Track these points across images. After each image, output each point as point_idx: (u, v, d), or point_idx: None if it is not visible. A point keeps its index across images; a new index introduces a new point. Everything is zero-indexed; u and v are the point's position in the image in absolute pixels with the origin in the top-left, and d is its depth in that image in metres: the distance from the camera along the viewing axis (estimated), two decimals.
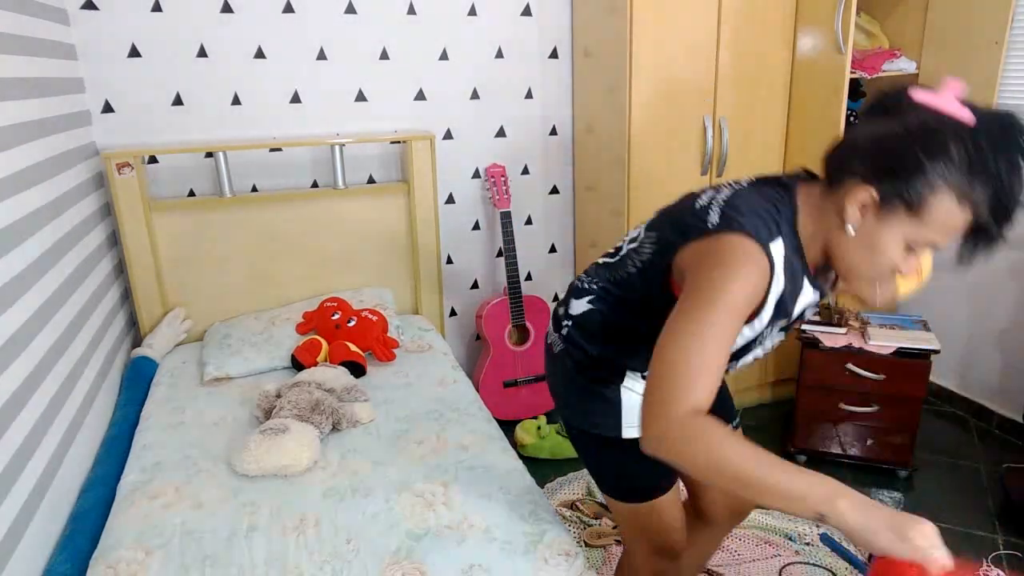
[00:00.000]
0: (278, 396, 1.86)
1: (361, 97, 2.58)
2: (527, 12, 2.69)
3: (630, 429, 1.26)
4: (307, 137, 2.50)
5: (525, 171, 2.89)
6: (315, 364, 2.12)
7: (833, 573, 1.96)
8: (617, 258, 1.26)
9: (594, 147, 2.71)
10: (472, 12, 2.62)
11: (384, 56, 2.56)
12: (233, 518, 1.45)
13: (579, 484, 2.37)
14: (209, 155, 2.42)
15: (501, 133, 2.80)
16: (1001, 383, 2.70)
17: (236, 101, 2.43)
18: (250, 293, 2.48)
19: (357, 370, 2.11)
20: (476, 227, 2.89)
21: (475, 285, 2.97)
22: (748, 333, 1.10)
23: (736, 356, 1.18)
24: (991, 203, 0.90)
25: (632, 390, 1.26)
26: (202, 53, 2.35)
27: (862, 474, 2.43)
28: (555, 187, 2.96)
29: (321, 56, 2.48)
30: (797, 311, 1.11)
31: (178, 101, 2.36)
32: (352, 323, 2.25)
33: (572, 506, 2.24)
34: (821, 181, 1.06)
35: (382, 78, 2.58)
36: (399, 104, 2.63)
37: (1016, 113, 0.92)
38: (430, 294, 2.70)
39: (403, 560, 1.30)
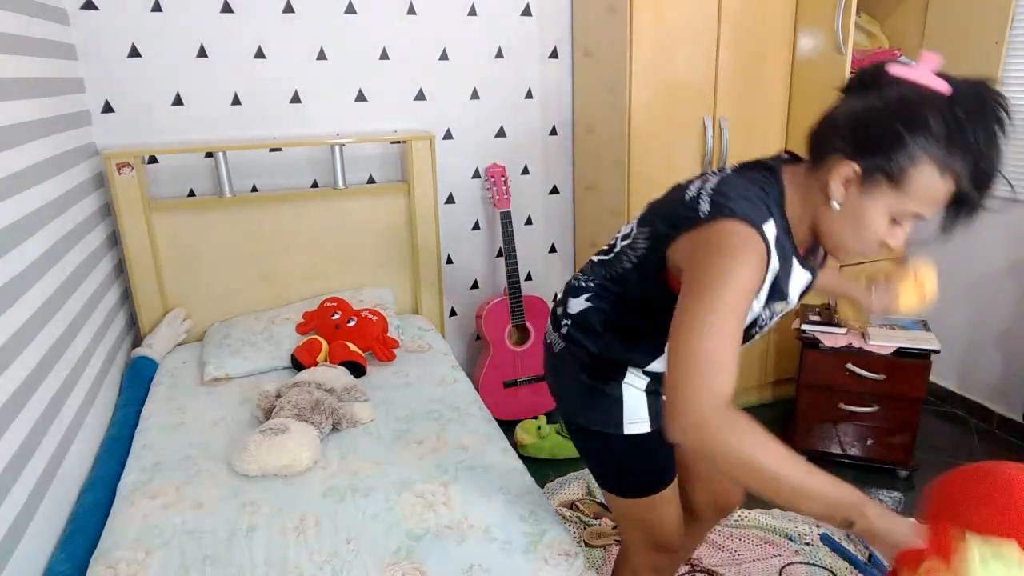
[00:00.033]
0: (278, 396, 1.86)
1: (361, 97, 2.58)
2: (527, 12, 2.69)
3: (631, 425, 1.26)
4: (307, 137, 2.50)
5: (525, 171, 2.89)
6: (315, 364, 2.12)
7: (833, 573, 1.96)
8: (612, 255, 1.26)
9: (594, 147, 2.71)
10: (472, 12, 2.62)
11: (384, 56, 2.56)
12: (233, 518, 1.45)
13: (579, 484, 2.37)
14: (209, 155, 2.42)
15: (501, 133, 2.80)
16: (1001, 383, 2.70)
17: (236, 101, 2.43)
18: (250, 293, 2.48)
19: (357, 370, 2.11)
20: (476, 227, 2.89)
21: (475, 285, 2.97)
22: (747, 317, 1.09)
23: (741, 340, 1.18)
24: (971, 172, 0.92)
25: (633, 386, 1.26)
26: (202, 53, 2.35)
27: (862, 474, 2.43)
28: (555, 187, 2.96)
29: (321, 56, 2.48)
30: (793, 294, 1.12)
31: (178, 101, 2.37)
32: (352, 323, 2.25)
33: (572, 506, 2.24)
34: (805, 162, 1.07)
35: (382, 78, 2.58)
36: (399, 104, 2.63)
37: (991, 80, 0.94)
38: (430, 294, 2.70)
39: (403, 560, 1.30)
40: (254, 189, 2.52)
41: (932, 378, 2.81)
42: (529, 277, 3.03)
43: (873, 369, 2.32)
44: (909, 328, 2.42)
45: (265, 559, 1.32)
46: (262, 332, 2.29)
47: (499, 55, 2.71)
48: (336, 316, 2.28)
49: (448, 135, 2.73)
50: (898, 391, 2.32)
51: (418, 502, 1.48)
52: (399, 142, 2.64)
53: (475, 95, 2.72)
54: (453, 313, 2.97)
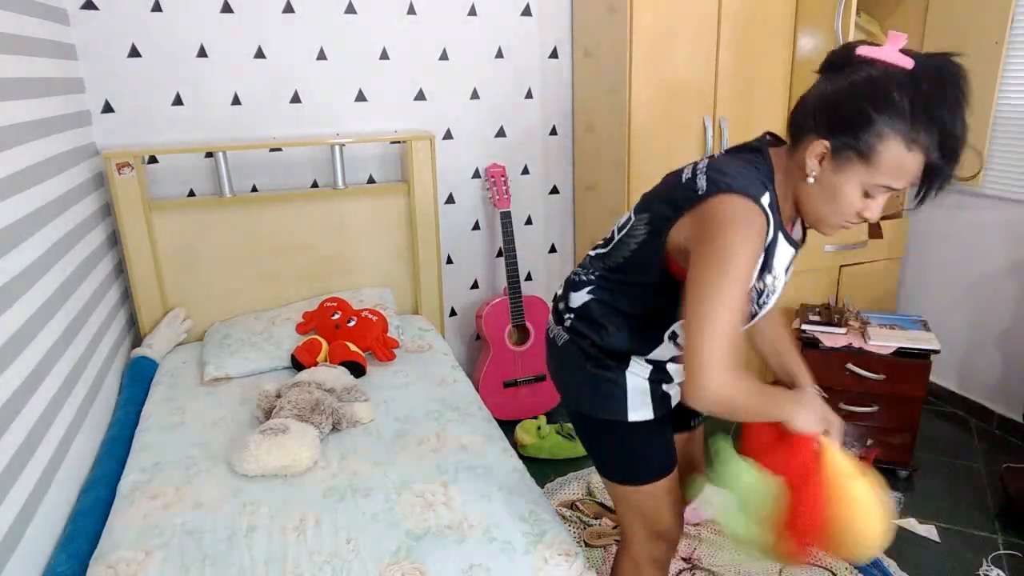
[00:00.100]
0: (278, 396, 1.86)
1: (361, 97, 2.58)
2: (527, 12, 2.69)
3: (635, 412, 1.29)
4: (307, 137, 2.50)
5: (525, 171, 2.89)
6: (315, 364, 2.12)
7: (833, 573, 1.96)
8: (610, 246, 1.28)
9: (594, 147, 2.71)
10: (472, 12, 2.62)
11: (384, 56, 2.56)
12: (233, 518, 1.45)
13: (579, 484, 2.37)
14: (209, 155, 2.43)
15: (501, 133, 2.80)
16: (1001, 383, 2.70)
17: (236, 101, 2.43)
18: (250, 293, 2.48)
19: (357, 370, 2.11)
20: (476, 227, 2.89)
21: (475, 285, 2.97)
22: (750, 291, 1.15)
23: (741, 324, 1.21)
24: (938, 143, 0.97)
25: (636, 374, 1.29)
26: (202, 53, 2.35)
27: None
28: (555, 187, 2.96)
29: (321, 56, 2.48)
30: (779, 268, 1.17)
31: (178, 101, 2.37)
32: (352, 323, 2.25)
33: (572, 506, 2.24)
34: (785, 144, 1.14)
35: (382, 78, 2.58)
36: (399, 104, 2.63)
37: (952, 54, 0.99)
38: (430, 294, 2.69)
39: (403, 560, 1.30)
40: (254, 189, 2.52)
41: (932, 378, 2.81)
42: (529, 277, 3.03)
43: (873, 369, 2.32)
44: (909, 328, 2.42)
45: (265, 559, 1.32)
46: (262, 332, 2.29)
47: (499, 55, 2.71)
48: (336, 316, 2.28)
49: (448, 135, 2.73)
50: (898, 391, 2.32)
51: (418, 502, 1.48)
52: (399, 142, 2.64)
53: (475, 95, 2.72)
54: (453, 313, 2.97)
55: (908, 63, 0.98)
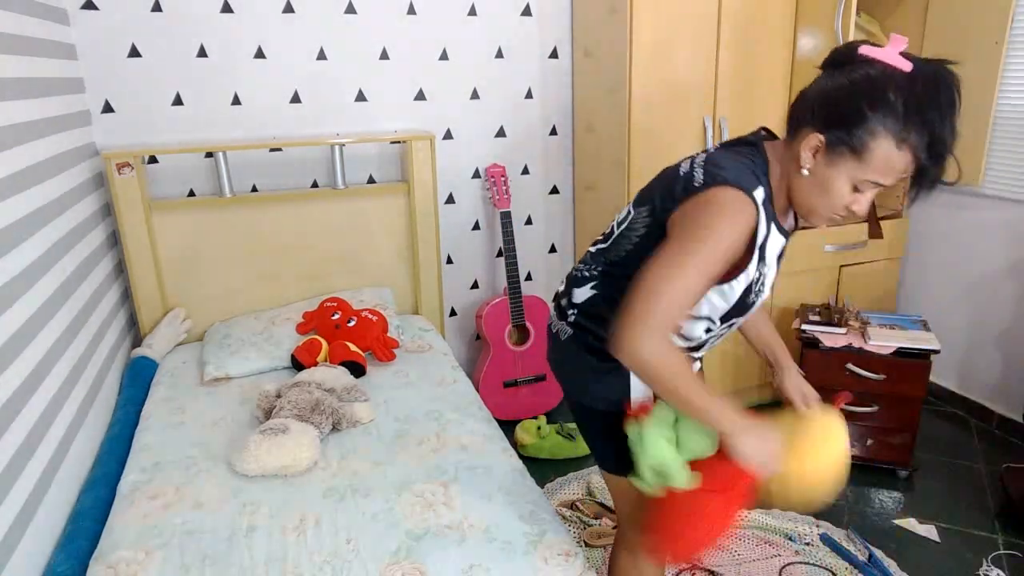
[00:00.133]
0: (278, 396, 1.86)
1: (361, 97, 2.58)
2: (527, 12, 2.69)
3: (636, 403, 1.31)
4: (307, 137, 2.50)
5: (525, 171, 2.89)
6: (315, 364, 2.12)
7: (833, 573, 1.96)
8: (610, 241, 1.31)
9: (594, 147, 2.71)
10: (472, 12, 2.62)
11: (384, 56, 2.56)
12: (233, 518, 1.45)
13: (579, 484, 2.37)
14: (209, 155, 2.43)
15: (501, 133, 2.80)
16: (1001, 383, 2.70)
17: (236, 101, 2.43)
18: (250, 293, 2.48)
19: (357, 370, 2.11)
20: (476, 227, 2.89)
21: (475, 285, 2.97)
22: (743, 280, 1.18)
23: (736, 313, 1.25)
24: (927, 145, 1.02)
25: None
26: (202, 53, 2.35)
27: (862, 474, 2.43)
28: (555, 187, 2.96)
29: (321, 56, 2.48)
30: (771, 258, 1.21)
31: (178, 101, 2.37)
32: (352, 323, 2.25)
33: (572, 506, 2.24)
34: (779, 139, 1.19)
35: (382, 78, 2.58)
36: (399, 104, 2.63)
37: (949, 62, 1.03)
38: (430, 294, 2.69)
39: (403, 560, 1.30)
40: (254, 189, 2.52)
41: (932, 378, 2.81)
42: (529, 277, 3.03)
43: (873, 369, 2.32)
44: (909, 328, 2.42)
45: (265, 559, 1.32)
46: (262, 332, 2.29)
47: (499, 55, 2.71)
48: (336, 316, 2.28)
49: (448, 135, 2.73)
50: (898, 391, 2.32)
51: (418, 502, 1.48)
52: (399, 142, 2.64)
53: (475, 95, 2.72)
54: (453, 313, 2.97)
55: (907, 66, 1.01)
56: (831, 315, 2.49)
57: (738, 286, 1.18)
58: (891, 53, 1.03)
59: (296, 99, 2.50)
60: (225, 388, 2.08)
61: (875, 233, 2.75)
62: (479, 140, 2.78)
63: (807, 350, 2.40)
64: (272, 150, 2.51)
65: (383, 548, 1.34)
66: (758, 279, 1.20)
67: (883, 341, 2.34)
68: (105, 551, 1.37)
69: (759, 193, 1.11)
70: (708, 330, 1.28)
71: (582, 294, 1.33)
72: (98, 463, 1.73)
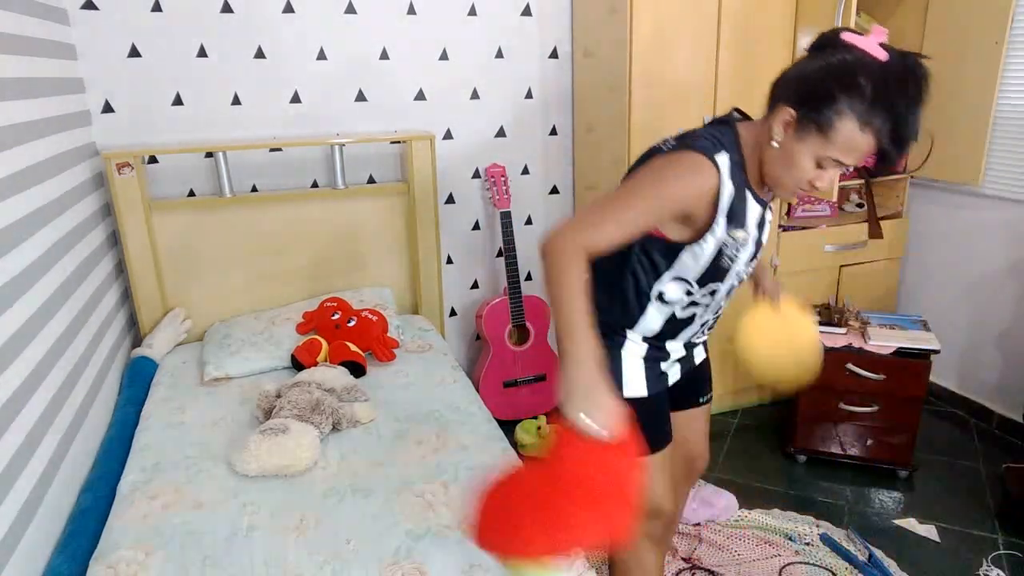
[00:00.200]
0: (278, 396, 1.86)
1: (361, 97, 2.58)
2: (527, 12, 2.69)
3: (629, 387, 1.37)
4: (307, 137, 2.50)
5: (525, 171, 2.89)
6: (315, 364, 2.12)
7: (833, 573, 1.96)
8: None
9: (594, 147, 2.71)
10: (472, 12, 2.62)
11: (384, 56, 2.56)
12: (233, 518, 1.45)
13: None
14: (209, 155, 2.42)
15: (501, 133, 2.80)
16: (1001, 383, 2.70)
17: (236, 101, 2.43)
18: (250, 293, 2.48)
19: (357, 370, 2.11)
20: (476, 227, 2.89)
21: (475, 285, 2.97)
22: (712, 241, 1.23)
23: (712, 277, 1.30)
24: (890, 130, 1.07)
25: (632, 353, 1.38)
26: (202, 53, 2.35)
27: (862, 474, 2.43)
28: (555, 187, 2.96)
29: (321, 56, 2.48)
30: (751, 224, 1.27)
31: (178, 101, 2.36)
32: (352, 323, 2.25)
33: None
34: (754, 121, 1.27)
35: (382, 78, 2.58)
36: (399, 104, 2.63)
37: (921, 56, 1.09)
38: (430, 294, 2.69)
39: (403, 560, 1.30)
40: (254, 189, 2.52)
41: (932, 378, 2.81)
42: (529, 277, 3.03)
43: (873, 369, 2.32)
44: (909, 328, 2.42)
45: (265, 559, 1.32)
46: (262, 332, 2.29)
47: (499, 55, 2.71)
48: (336, 316, 2.28)
49: (448, 135, 2.73)
50: (898, 391, 2.32)
51: (418, 502, 1.48)
52: (399, 142, 2.63)
53: (475, 95, 2.72)
54: (453, 313, 2.97)
55: (883, 56, 1.08)
56: (831, 315, 2.49)
57: (707, 247, 1.24)
58: (870, 42, 1.09)
59: (296, 99, 2.50)
60: (225, 388, 2.08)
61: (875, 233, 2.75)
62: (479, 140, 2.78)
63: None
64: (272, 150, 2.51)
65: (383, 548, 1.34)
66: (731, 243, 1.25)
67: (883, 341, 2.34)
68: (105, 551, 1.36)
69: (722, 158, 1.19)
70: (688, 292, 1.32)
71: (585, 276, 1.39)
72: (98, 463, 1.73)
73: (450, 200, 2.81)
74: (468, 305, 2.98)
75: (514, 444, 2.52)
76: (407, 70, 2.60)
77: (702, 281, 1.29)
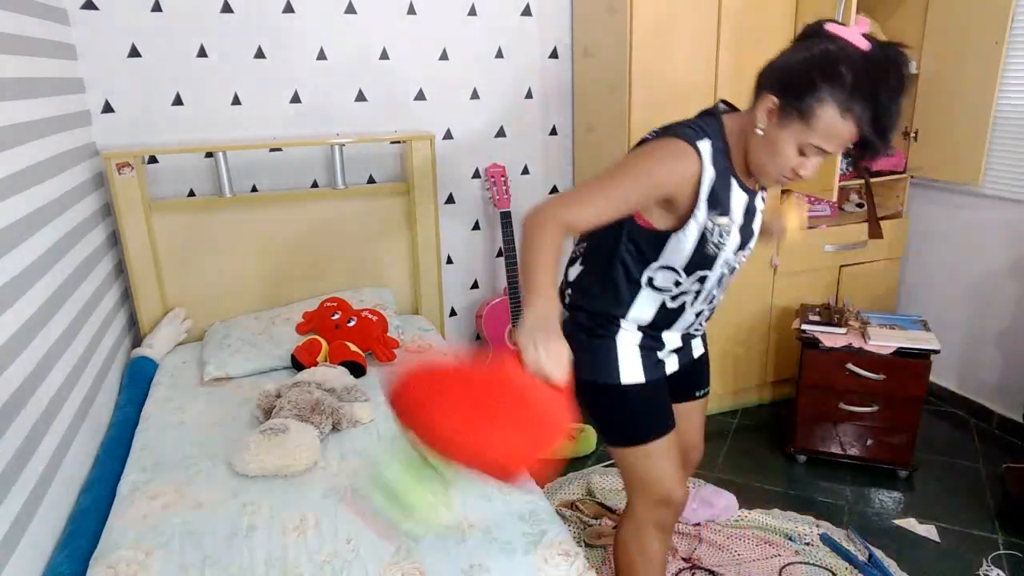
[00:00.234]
0: (278, 396, 1.86)
1: (361, 97, 2.58)
2: (527, 12, 2.69)
3: (626, 374, 1.39)
4: (307, 137, 2.50)
5: (525, 171, 2.89)
6: (315, 364, 2.12)
7: (833, 573, 1.96)
8: None
9: (594, 147, 2.71)
10: (472, 12, 2.62)
11: (384, 56, 2.56)
12: (233, 518, 1.45)
13: (579, 484, 2.37)
14: (209, 155, 2.42)
15: (501, 133, 2.80)
16: (1001, 383, 2.70)
17: (236, 101, 2.43)
18: (250, 293, 2.48)
19: (357, 370, 2.11)
20: (476, 227, 2.89)
21: (475, 285, 2.97)
22: (694, 227, 1.25)
23: (699, 265, 1.31)
24: (871, 118, 1.10)
25: (627, 341, 1.40)
26: (202, 53, 2.35)
27: (862, 474, 2.43)
28: (555, 187, 2.96)
29: (321, 56, 2.48)
30: (736, 211, 1.28)
31: (178, 101, 2.36)
32: (352, 323, 2.25)
33: (572, 506, 2.24)
34: (742, 111, 1.30)
35: (382, 78, 2.58)
36: (399, 104, 2.63)
37: (903, 46, 1.12)
38: (430, 294, 2.69)
39: (403, 560, 1.30)
40: (254, 189, 2.52)
41: (932, 378, 2.81)
42: None
43: (873, 369, 2.32)
44: (909, 328, 2.42)
45: (265, 559, 1.32)
46: (262, 332, 2.29)
47: (499, 55, 2.71)
48: (336, 316, 2.28)
49: (448, 135, 2.73)
50: (898, 391, 2.32)
51: None
52: (399, 142, 2.64)
53: (475, 95, 2.72)
54: (453, 313, 2.96)
55: (865, 45, 1.11)
56: (831, 315, 2.49)
57: (690, 232, 1.26)
58: (854, 33, 1.12)
59: (296, 99, 2.50)
60: (225, 388, 2.08)
61: (875, 233, 2.75)
62: (479, 140, 2.78)
63: (807, 350, 2.40)
64: (272, 150, 2.51)
65: (383, 548, 1.34)
66: (715, 229, 1.27)
67: (883, 341, 2.34)
68: (105, 551, 1.37)
69: (703, 144, 1.22)
70: (677, 283, 1.34)
71: (573, 272, 1.45)
72: (98, 463, 1.73)
73: (450, 200, 2.81)
74: (468, 305, 2.98)
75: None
76: (407, 70, 2.60)
77: (689, 269, 1.31)
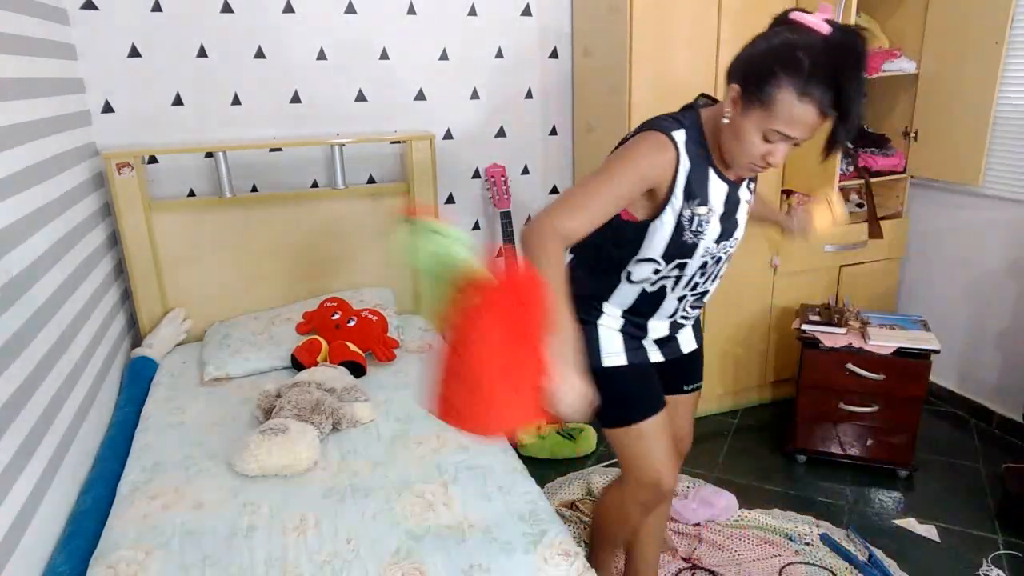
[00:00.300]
0: (278, 396, 1.86)
1: (361, 97, 2.58)
2: (527, 12, 2.69)
3: (608, 358, 1.44)
4: (307, 137, 2.50)
5: (525, 171, 2.89)
6: (315, 364, 2.12)
7: (833, 573, 1.96)
8: None
9: (594, 147, 2.71)
10: (472, 12, 2.62)
11: (384, 56, 2.56)
12: (233, 518, 1.45)
13: (579, 484, 2.37)
14: (209, 155, 2.43)
15: (501, 133, 2.80)
16: (1001, 383, 2.70)
17: (236, 101, 2.43)
18: (250, 293, 2.48)
19: (357, 370, 2.11)
20: (476, 227, 2.89)
21: None
22: (671, 214, 1.28)
23: (678, 253, 1.33)
24: (832, 101, 1.12)
25: (609, 326, 1.44)
26: (202, 53, 2.35)
27: (862, 474, 2.43)
28: (555, 187, 2.96)
29: (321, 56, 2.48)
30: (715, 201, 1.31)
31: (178, 101, 2.37)
32: (352, 323, 2.25)
33: (572, 506, 2.24)
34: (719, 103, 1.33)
35: (382, 78, 2.58)
36: (399, 104, 2.63)
37: (862, 29, 1.13)
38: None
39: (403, 560, 1.30)
40: (254, 189, 2.52)
41: (932, 378, 2.81)
42: None
43: (873, 369, 2.32)
44: (909, 328, 2.42)
45: (265, 559, 1.32)
46: (262, 332, 2.29)
47: (499, 55, 2.71)
48: (336, 316, 2.28)
49: (448, 135, 2.73)
50: (898, 391, 2.32)
51: (418, 502, 1.48)
52: (399, 142, 2.64)
53: (475, 95, 2.72)
54: None
55: (825, 30, 1.13)
56: (831, 315, 2.49)
57: (667, 220, 1.29)
58: (816, 19, 1.15)
59: (296, 99, 2.50)
60: (225, 388, 2.08)
61: (875, 233, 2.75)
62: (479, 140, 2.78)
63: (807, 350, 2.40)
64: (272, 150, 2.51)
65: (383, 548, 1.34)
66: (692, 218, 1.29)
67: (883, 341, 2.34)
68: (105, 551, 1.37)
69: (679, 134, 1.26)
70: (656, 271, 1.36)
71: (565, 260, 1.46)
72: (98, 463, 1.73)
73: (450, 200, 2.81)
74: None
75: (514, 444, 2.51)
76: (407, 70, 2.60)
77: (668, 257, 1.34)
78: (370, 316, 2.29)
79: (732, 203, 1.35)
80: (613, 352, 1.44)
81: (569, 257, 1.46)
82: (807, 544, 2.09)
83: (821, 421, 2.44)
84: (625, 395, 1.45)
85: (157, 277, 2.34)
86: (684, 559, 2.03)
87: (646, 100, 2.39)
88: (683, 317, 1.48)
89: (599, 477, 2.37)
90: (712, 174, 1.30)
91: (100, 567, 1.32)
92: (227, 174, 2.37)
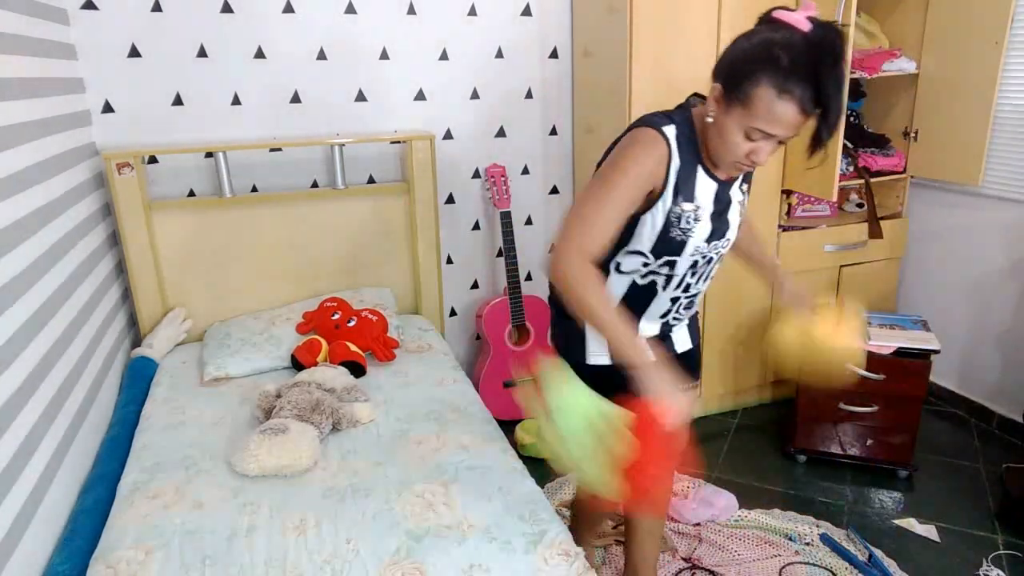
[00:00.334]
0: (278, 396, 1.86)
1: (361, 97, 2.58)
2: (527, 12, 2.69)
3: (593, 356, 1.46)
4: (307, 137, 2.50)
5: (525, 171, 2.89)
6: (315, 364, 2.12)
7: (833, 573, 1.96)
8: None
9: (594, 147, 2.71)
10: (472, 12, 2.62)
11: (384, 56, 2.56)
12: (233, 518, 1.45)
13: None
14: (209, 155, 2.42)
15: (501, 133, 2.80)
16: (1001, 383, 2.70)
17: (236, 101, 2.43)
18: (250, 293, 2.48)
19: (357, 370, 2.11)
20: (476, 227, 2.89)
21: (475, 285, 2.97)
22: (661, 209, 1.29)
23: (667, 250, 1.34)
24: (812, 97, 1.12)
25: None
26: (202, 53, 2.35)
27: (862, 474, 2.43)
28: (555, 187, 2.96)
29: (321, 56, 2.48)
30: (703, 199, 1.31)
31: (178, 101, 2.36)
32: (352, 323, 2.25)
33: (572, 506, 2.24)
34: None
35: (382, 78, 2.58)
36: (399, 104, 2.63)
37: (841, 25, 1.16)
38: (430, 294, 2.69)
39: (403, 560, 1.30)
40: (254, 189, 2.52)
41: (932, 378, 2.81)
42: (529, 277, 3.03)
43: (873, 369, 2.32)
44: (909, 328, 2.42)
45: (265, 559, 1.32)
46: (262, 332, 2.29)
47: (499, 55, 2.71)
48: (336, 316, 2.28)
49: (448, 135, 2.73)
50: (898, 391, 2.32)
51: (418, 502, 1.48)
52: (399, 142, 2.64)
53: (475, 95, 2.72)
54: (453, 313, 2.96)
55: (805, 26, 1.14)
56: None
57: (657, 214, 1.30)
58: (798, 16, 1.15)
59: (296, 99, 2.50)
60: (225, 388, 2.08)
61: (875, 233, 2.75)
62: (479, 140, 2.78)
63: None
64: (272, 150, 2.51)
65: (383, 548, 1.34)
66: (681, 215, 1.30)
67: (883, 341, 2.34)
68: (105, 551, 1.37)
69: (669, 129, 1.27)
70: (645, 264, 1.36)
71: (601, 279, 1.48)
72: (98, 463, 1.73)
73: (450, 200, 2.81)
74: (468, 305, 2.98)
75: (514, 444, 2.52)
76: (407, 70, 2.60)
77: (656, 252, 1.34)
78: (370, 316, 2.29)
79: (723, 202, 1.35)
80: (598, 350, 1.45)
81: None
82: (807, 544, 2.09)
83: (821, 421, 2.45)
84: (610, 394, 1.44)
85: (157, 277, 2.34)
86: (684, 559, 2.03)
87: (646, 100, 2.39)
88: (675, 318, 1.48)
89: None
90: (700, 171, 1.31)
91: (100, 567, 1.32)
92: (227, 174, 2.37)
